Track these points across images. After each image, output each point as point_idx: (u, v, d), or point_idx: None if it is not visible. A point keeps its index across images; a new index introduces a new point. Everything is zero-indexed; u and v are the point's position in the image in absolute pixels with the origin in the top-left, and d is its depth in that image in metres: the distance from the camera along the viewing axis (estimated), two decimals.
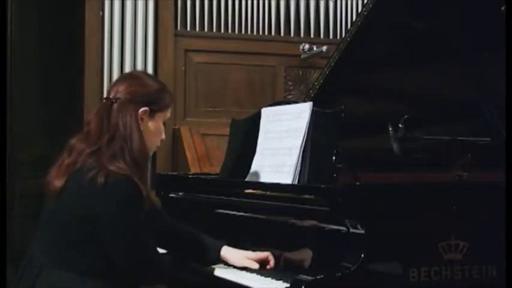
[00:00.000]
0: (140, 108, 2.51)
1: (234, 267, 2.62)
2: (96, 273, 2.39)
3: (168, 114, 2.63)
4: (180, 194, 3.24)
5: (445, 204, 2.43)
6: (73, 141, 2.51)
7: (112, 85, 2.61)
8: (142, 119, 2.52)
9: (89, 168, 2.39)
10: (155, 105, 2.55)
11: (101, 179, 2.35)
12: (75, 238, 2.39)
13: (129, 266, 2.41)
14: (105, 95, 2.64)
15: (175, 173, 4.17)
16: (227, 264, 2.65)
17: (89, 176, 2.37)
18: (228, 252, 2.67)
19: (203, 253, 2.69)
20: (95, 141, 2.46)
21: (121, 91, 2.53)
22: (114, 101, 2.51)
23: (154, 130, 2.57)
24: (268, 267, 2.57)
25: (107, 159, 2.40)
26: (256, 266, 2.58)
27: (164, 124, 2.62)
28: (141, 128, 2.50)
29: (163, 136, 2.63)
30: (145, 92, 2.54)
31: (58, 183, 2.44)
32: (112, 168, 2.37)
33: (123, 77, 2.75)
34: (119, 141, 2.45)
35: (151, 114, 2.54)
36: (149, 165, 2.51)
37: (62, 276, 2.38)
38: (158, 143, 2.64)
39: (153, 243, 2.50)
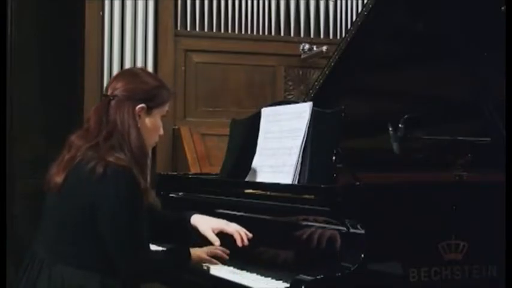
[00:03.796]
0: (137, 105, 2.53)
1: (234, 267, 2.62)
2: (99, 268, 2.40)
3: (166, 109, 2.64)
4: (180, 194, 3.24)
5: (445, 204, 2.43)
6: (72, 137, 2.55)
7: (110, 82, 2.63)
8: (139, 115, 2.54)
9: (88, 160, 2.43)
10: (152, 102, 2.57)
11: (99, 169, 2.39)
12: (78, 232, 2.42)
13: (122, 258, 2.41)
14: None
15: (175, 173, 4.17)
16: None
17: (88, 167, 2.41)
18: (196, 220, 2.74)
19: (181, 227, 2.76)
20: (94, 137, 2.48)
21: (118, 88, 2.54)
22: (111, 98, 2.53)
23: (152, 126, 2.58)
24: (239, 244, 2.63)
25: (105, 151, 2.44)
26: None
27: (163, 117, 2.63)
28: (139, 125, 2.52)
29: (162, 132, 2.65)
30: (142, 89, 2.56)
31: (59, 179, 2.47)
32: (111, 159, 2.41)
33: (120, 73, 2.75)
34: (117, 138, 2.47)
35: (149, 110, 2.56)
36: (149, 163, 2.53)
37: (65, 271, 2.40)
38: (156, 139, 2.66)
39: (147, 237, 2.51)
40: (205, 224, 2.73)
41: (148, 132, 2.57)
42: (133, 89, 2.55)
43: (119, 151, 2.44)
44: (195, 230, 2.74)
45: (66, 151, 2.53)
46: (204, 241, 2.71)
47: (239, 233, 2.65)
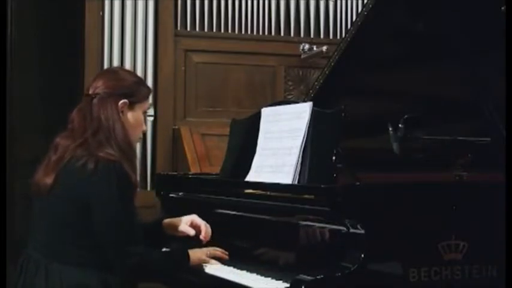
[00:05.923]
0: (119, 100, 2.58)
1: (234, 267, 2.62)
2: (97, 265, 2.42)
3: (147, 105, 2.72)
4: (180, 194, 3.24)
5: (445, 204, 2.43)
6: (58, 139, 2.58)
7: (90, 82, 2.68)
8: (122, 111, 2.59)
9: (79, 158, 2.46)
10: (134, 97, 2.63)
11: (91, 165, 2.42)
12: (74, 230, 2.43)
13: (116, 252, 2.42)
14: None
15: (175, 173, 4.17)
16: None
17: (80, 164, 2.44)
18: (168, 219, 2.81)
19: (156, 230, 2.80)
20: (80, 136, 2.52)
21: (99, 86, 2.60)
22: (94, 96, 2.58)
23: (135, 122, 2.64)
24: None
25: (95, 147, 2.47)
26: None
27: (144, 114, 2.69)
28: (122, 120, 2.57)
29: (145, 127, 2.71)
30: (122, 85, 2.62)
31: (48, 180, 2.50)
32: (101, 154, 2.45)
33: (100, 73, 2.86)
34: (104, 133, 2.52)
35: (131, 106, 2.62)
36: (136, 161, 2.60)
37: (63, 270, 2.41)
38: (140, 135, 2.72)
39: (141, 232, 2.52)
40: (177, 219, 2.79)
41: (131, 128, 2.62)
42: (114, 85, 2.61)
43: (107, 146, 2.48)
44: (168, 229, 2.79)
45: (53, 153, 2.56)
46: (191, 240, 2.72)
47: (206, 227, 2.73)
